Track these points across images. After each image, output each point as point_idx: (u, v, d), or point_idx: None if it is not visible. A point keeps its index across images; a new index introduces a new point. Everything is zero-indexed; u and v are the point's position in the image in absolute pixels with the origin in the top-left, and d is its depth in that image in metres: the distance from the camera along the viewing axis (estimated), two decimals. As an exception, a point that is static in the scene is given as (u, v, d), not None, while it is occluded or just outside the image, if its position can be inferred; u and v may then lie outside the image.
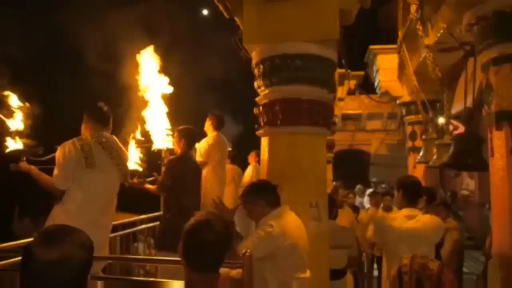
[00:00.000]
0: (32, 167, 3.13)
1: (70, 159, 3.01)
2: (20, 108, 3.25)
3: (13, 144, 3.20)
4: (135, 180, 3.81)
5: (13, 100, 3.24)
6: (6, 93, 3.23)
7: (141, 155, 3.97)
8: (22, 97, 3.28)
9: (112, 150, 3.18)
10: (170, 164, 4.06)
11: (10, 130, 3.21)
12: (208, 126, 5.24)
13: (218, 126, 5.23)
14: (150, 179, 4.14)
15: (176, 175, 3.98)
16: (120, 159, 3.22)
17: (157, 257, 3.97)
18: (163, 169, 4.33)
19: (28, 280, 1.22)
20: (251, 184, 2.97)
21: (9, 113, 3.23)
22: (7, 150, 3.18)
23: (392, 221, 3.23)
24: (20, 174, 3.12)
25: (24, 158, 3.17)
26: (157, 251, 4.14)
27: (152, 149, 4.19)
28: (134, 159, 3.93)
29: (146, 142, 4.10)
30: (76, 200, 3.01)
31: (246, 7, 3.19)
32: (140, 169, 3.93)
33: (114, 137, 3.31)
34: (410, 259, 2.51)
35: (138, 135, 4.02)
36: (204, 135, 5.27)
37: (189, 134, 4.23)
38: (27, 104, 3.29)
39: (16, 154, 3.17)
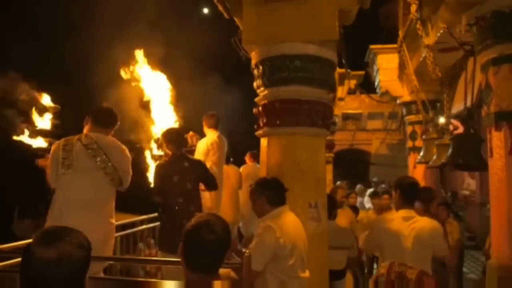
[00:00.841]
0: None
1: (52, 158, 3.05)
2: (50, 108, 3.33)
3: (40, 142, 3.27)
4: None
5: (45, 99, 3.32)
6: (39, 93, 3.31)
7: None
8: (54, 97, 3.38)
9: (98, 153, 3.07)
10: (156, 169, 4.09)
11: (38, 129, 3.29)
12: (204, 127, 5.25)
13: (213, 125, 5.21)
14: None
15: (161, 178, 3.97)
16: (107, 163, 3.08)
17: (156, 258, 3.99)
18: None
19: (28, 279, 1.24)
20: (260, 178, 2.99)
21: (40, 112, 3.33)
22: (34, 146, 3.25)
23: (388, 222, 3.22)
24: (40, 170, 3.20)
25: (48, 155, 3.23)
26: (158, 251, 4.18)
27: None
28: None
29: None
30: (58, 201, 3.02)
31: (245, 8, 3.19)
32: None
33: (112, 140, 3.22)
34: (388, 268, 2.49)
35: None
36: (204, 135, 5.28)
37: (175, 135, 4.18)
38: (57, 105, 3.37)
39: (41, 152, 3.27)
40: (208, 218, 1.72)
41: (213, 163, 5.01)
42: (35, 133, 3.32)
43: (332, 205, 3.94)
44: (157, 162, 4.26)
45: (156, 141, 4.43)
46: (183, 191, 3.99)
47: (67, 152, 3.03)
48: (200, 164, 4.23)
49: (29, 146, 3.36)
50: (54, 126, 3.40)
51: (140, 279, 4.17)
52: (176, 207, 3.90)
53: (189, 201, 3.99)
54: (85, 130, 3.24)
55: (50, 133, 3.39)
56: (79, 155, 3.04)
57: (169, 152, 4.13)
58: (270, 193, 2.76)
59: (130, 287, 2.78)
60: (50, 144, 3.33)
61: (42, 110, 3.36)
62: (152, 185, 4.07)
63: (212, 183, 4.20)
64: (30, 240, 1.72)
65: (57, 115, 3.41)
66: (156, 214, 5.31)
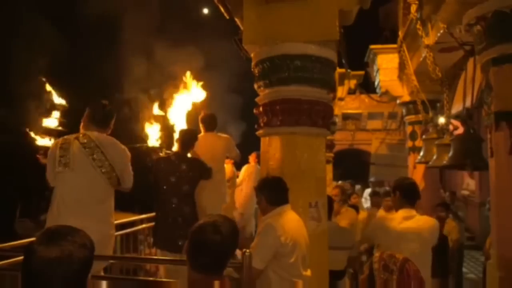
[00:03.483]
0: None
1: (50, 156, 3.07)
2: (58, 106, 3.32)
3: (46, 141, 3.27)
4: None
5: (54, 97, 3.32)
6: (48, 89, 3.30)
7: None
8: (62, 94, 3.36)
9: (95, 151, 3.05)
10: (155, 161, 4.14)
11: (44, 125, 3.28)
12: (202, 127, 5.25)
13: (206, 128, 5.15)
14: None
15: (157, 172, 4.03)
16: (104, 161, 3.06)
17: (156, 257, 4.00)
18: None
19: (30, 278, 1.24)
20: (261, 178, 3.03)
21: (48, 110, 3.32)
22: (39, 144, 3.25)
23: (389, 221, 3.25)
24: (41, 168, 3.20)
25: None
26: (158, 249, 4.19)
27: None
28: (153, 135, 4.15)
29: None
30: (56, 199, 3.03)
31: (246, 8, 3.19)
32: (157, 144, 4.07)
33: (110, 138, 3.20)
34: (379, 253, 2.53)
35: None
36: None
37: (185, 135, 4.24)
38: (65, 103, 3.36)
39: (43, 149, 3.27)
40: (215, 219, 1.73)
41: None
42: (42, 131, 3.32)
43: (331, 206, 3.97)
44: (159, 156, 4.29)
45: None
46: (178, 193, 3.99)
47: (64, 150, 3.03)
48: (196, 164, 4.18)
49: (34, 143, 3.35)
50: (61, 124, 3.39)
51: (141, 278, 4.19)
52: (169, 207, 3.93)
53: (183, 203, 3.98)
54: (82, 128, 3.23)
55: (56, 132, 3.38)
56: (75, 154, 3.03)
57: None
58: (268, 192, 2.79)
59: (131, 287, 2.79)
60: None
61: (50, 108, 3.35)
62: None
63: (205, 173, 4.20)
64: (31, 239, 1.72)
65: (64, 114, 3.40)
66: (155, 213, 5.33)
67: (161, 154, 4.37)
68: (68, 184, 3.02)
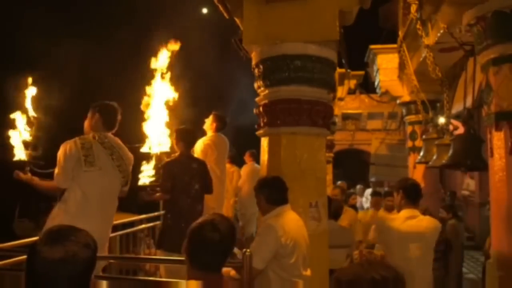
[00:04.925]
0: (34, 178, 3.17)
1: (70, 157, 3.02)
2: (31, 118, 3.31)
3: (20, 154, 3.25)
4: (144, 196, 3.72)
5: (29, 110, 3.31)
6: (26, 104, 3.29)
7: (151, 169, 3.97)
8: (37, 107, 3.33)
9: (113, 151, 3.15)
10: (167, 166, 4.06)
11: (20, 140, 3.26)
12: (208, 126, 5.22)
13: (219, 127, 5.21)
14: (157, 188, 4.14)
15: (173, 176, 3.97)
16: (121, 160, 3.18)
17: (156, 257, 3.99)
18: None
19: (33, 278, 1.24)
20: (260, 178, 3.04)
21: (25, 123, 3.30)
22: (14, 159, 3.23)
23: (392, 221, 3.26)
24: (21, 183, 3.16)
25: (28, 169, 3.21)
26: (156, 249, 4.16)
27: (142, 150, 4.19)
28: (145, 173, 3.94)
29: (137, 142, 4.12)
30: (76, 199, 3.01)
31: (246, 8, 3.19)
32: (147, 182, 3.91)
33: (119, 141, 3.29)
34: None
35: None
36: (203, 133, 5.27)
37: (187, 135, 4.22)
38: (36, 116, 3.34)
39: (21, 164, 3.22)
40: (213, 217, 1.75)
41: (213, 163, 5.01)
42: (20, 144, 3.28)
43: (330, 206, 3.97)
44: (167, 159, 4.21)
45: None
46: (191, 192, 4.04)
47: (87, 150, 3.04)
48: (205, 165, 4.27)
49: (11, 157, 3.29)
50: (34, 137, 3.34)
51: (141, 277, 4.18)
52: (182, 207, 3.92)
53: (196, 202, 4.05)
54: (88, 126, 3.23)
55: (31, 145, 3.32)
56: (99, 152, 3.07)
57: (178, 149, 4.14)
58: (268, 192, 2.79)
59: (131, 286, 2.80)
60: (31, 156, 3.27)
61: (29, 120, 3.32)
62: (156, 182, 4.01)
63: (210, 186, 4.25)
64: (31, 239, 1.72)
65: (37, 126, 3.36)
66: (155, 213, 5.33)
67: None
68: (96, 184, 3.04)
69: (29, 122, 3.32)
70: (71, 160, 3.02)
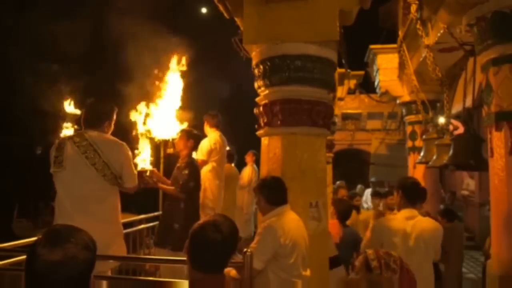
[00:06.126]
0: None
1: (50, 157, 3.09)
2: (71, 114, 3.36)
3: None
4: (148, 180, 3.82)
5: (68, 107, 3.35)
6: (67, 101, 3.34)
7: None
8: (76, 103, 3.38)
9: (88, 149, 3.03)
10: (194, 166, 4.12)
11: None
12: (206, 127, 5.29)
13: (215, 124, 5.27)
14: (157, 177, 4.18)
15: (198, 177, 4.14)
16: (97, 159, 3.03)
17: (156, 257, 3.98)
18: (162, 161, 4.40)
19: (33, 280, 1.24)
20: (260, 178, 3.05)
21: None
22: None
23: (390, 221, 3.23)
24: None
25: None
26: (158, 248, 4.15)
27: (153, 137, 4.25)
28: (143, 157, 3.97)
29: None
30: (57, 199, 3.07)
31: (246, 8, 3.19)
32: (150, 167, 3.95)
33: (106, 137, 3.18)
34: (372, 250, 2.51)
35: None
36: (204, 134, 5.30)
37: (197, 137, 4.35)
38: (78, 112, 3.39)
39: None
40: (215, 218, 1.74)
41: (216, 163, 5.04)
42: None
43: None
44: (187, 160, 4.24)
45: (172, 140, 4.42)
46: (198, 193, 4.25)
47: (59, 150, 3.05)
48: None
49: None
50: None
51: (142, 277, 4.17)
52: (197, 208, 4.11)
53: (198, 205, 4.23)
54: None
55: None
56: (69, 153, 3.04)
57: (185, 149, 4.20)
58: (267, 193, 2.80)
59: (132, 286, 2.79)
60: None
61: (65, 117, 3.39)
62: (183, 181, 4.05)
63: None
64: (30, 239, 1.71)
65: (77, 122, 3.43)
66: (155, 214, 5.33)
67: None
68: (64, 184, 3.04)
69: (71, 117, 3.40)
70: (50, 161, 3.08)
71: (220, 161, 5.14)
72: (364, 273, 1.59)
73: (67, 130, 3.41)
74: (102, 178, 3.06)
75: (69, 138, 3.13)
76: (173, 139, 4.35)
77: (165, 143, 4.44)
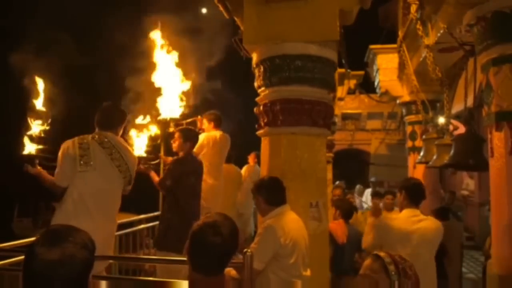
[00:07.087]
0: (43, 171, 3.18)
1: (68, 156, 3.04)
2: (40, 112, 3.33)
3: (29, 147, 3.26)
4: (140, 166, 3.83)
5: (38, 103, 3.33)
6: (35, 98, 3.31)
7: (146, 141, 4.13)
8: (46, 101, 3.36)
9: (113, 151, 3.13)
10: (172, 165, 4.06)
11: (29, 133, 3.29)
12: (206, 127, 5.22)
13: (215, 124, 5.18)
14: (155, 162, 4.25)
15: (177, 176, 3.96)
16: (121, 160, 3.15)
17: (157, 257, 3.97)
18: (161, 146, 4.42)
19: (30, 279, 1.23)
20: (258, 179, 3.04)
21: (33, 116, 3.32)
22: (23, 153, 3.25)
23: (392, 221, 3.25)
24: (30, 176, 3.17)
25: (37, 162, 3.21)
26: (156, 250, 4.14)
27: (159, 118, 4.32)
28: (138, 144, 4.06)
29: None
30: (72, 198, 3.02)
31: (246, 8, 3.19)
32: (144, 154, 4.04)
33: (122, 140, 3.28)
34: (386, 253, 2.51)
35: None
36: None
37: (194, 136, 4.28)
38: (46, 110, 3.36)
39: (30, 158, 3.22)
40: (215, 219, 1.71)
41: (209, 162, 4.95)
42: (30, 138, 3.29)
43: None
44: (175, 157, 4.23)
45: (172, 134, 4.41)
46: (196, 192, 4.11)
47: (84, 150, 3.05)
48: (202, 164, 4.31)
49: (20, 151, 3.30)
50: (43, 132, 3.36)
51: (142, 278, 4.17)
52: (188, 208, 3.95)
53: (197, 201, 4.12)
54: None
55: (40, 139, 3.34)
56: (96, 153, 3.07)
57: (181, 149, 4.14)
58: (266, 193, 2.79)
59: (132, 286, 2.79)
60: (39, 150, 3.29)
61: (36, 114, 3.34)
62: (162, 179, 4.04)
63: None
64: (30, 239, 1.71)
65: (47, 120, 3.38)
66: (155, 213, 5.31)
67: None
68: (90, 184, 3.03)
69: (38, 116, 3.34)
70: (68, 160, 3.04)
71: (213, 160, 5.03)
72: (384, 275, 1.58)
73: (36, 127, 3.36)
74: (122, 179, 3.16)
75: (92, 138, 3.13)
76: (171, 120, 4.41)
77: (166, 123, 4.47)
